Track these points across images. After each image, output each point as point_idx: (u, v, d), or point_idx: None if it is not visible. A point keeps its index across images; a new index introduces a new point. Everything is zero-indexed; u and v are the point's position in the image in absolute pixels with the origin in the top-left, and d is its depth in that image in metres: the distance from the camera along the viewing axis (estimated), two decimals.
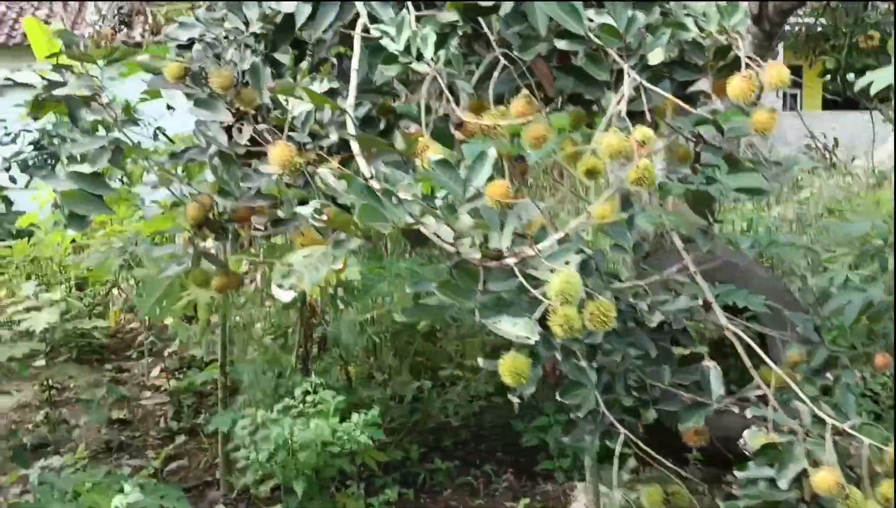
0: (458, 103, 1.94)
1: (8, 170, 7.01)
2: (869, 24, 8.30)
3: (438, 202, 1.80)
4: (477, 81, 2.03)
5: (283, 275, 1.67)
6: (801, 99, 18.62)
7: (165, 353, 6.92)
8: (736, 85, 2.01)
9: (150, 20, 9.64)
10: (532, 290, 1.72)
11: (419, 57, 1.91)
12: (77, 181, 2.44)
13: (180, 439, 5.85)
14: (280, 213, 2.31)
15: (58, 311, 5.47)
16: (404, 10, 2.01)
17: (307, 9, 2.43)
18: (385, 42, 1.97)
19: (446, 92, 1.90)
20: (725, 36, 2.15)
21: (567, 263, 1.80)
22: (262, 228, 2.37)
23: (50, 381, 6.13)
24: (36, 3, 16.74)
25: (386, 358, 5.43)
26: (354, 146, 2.00)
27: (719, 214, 6.26)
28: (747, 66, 2.03)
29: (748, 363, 2.42)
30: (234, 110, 2.38)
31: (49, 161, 7.14)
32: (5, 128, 7.83)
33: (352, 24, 2.38)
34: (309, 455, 3.96)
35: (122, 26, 10.65)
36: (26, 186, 7.25)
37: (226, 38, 2.41)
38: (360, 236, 1.96)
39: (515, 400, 2.37)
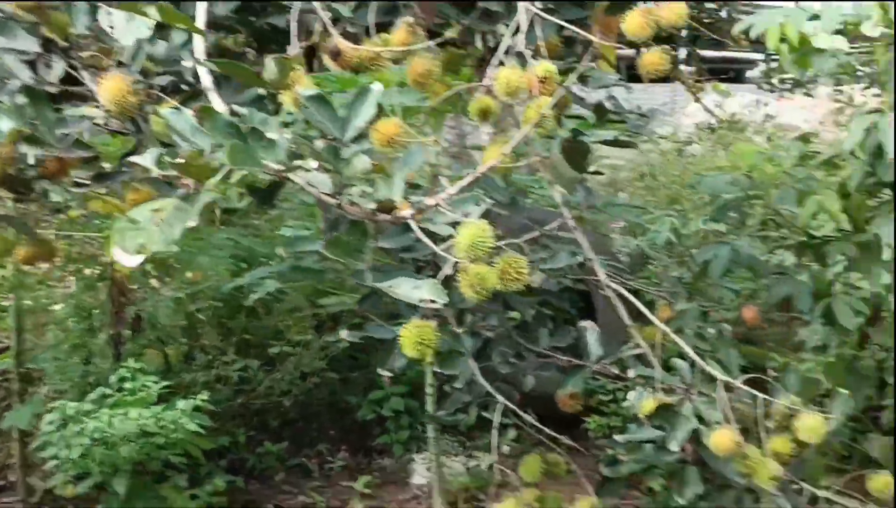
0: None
1: None
2: None
3: (319, 144, 1.52)
4: (355, 7, 1.75)
5: (127, 236, 1.33)
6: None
7: None
8: (633, 20, 1.85)
9: None
10: (434, 247, 1.48)
11: None
12: None
13: None
14: (105, 165, 1.93)
15: None
16: None
17: None
18: None
19: (321, 14, 1.60)
20: None
21: (467, 215, 1.57)
22: (81, 184, 1.96)
23: None
24: None
25: (208, 337, 4.99)
26: (206, 79, 1.66)
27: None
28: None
29: (627, 321, 2.31)
30: (41, 39, 1.95)
31: None
32: None
33: None
34: (130, 449, 3.51)
35: None
36: None
37: None
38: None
39: (386, 374, 2.12)
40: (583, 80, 2.62)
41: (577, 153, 2.38)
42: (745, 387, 1.99)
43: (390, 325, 2.15)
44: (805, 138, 2.91)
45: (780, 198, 2.67)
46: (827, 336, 3.24)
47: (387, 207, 1.52)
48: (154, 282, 4.93)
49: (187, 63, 1.83)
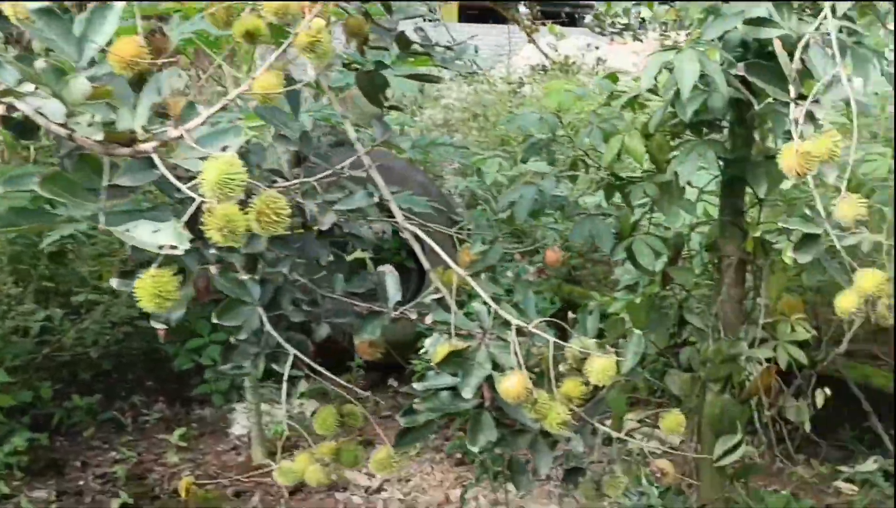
0: None
1: None
2: None
3: (40, 64, 1.29)
4: None
5: None
6: (438, 10, 19.23)
7: None
8: None
9: None
10: (179, 185, 1.30)
11: None
12: None
13: None
14: None
15: None
16: None
17: None
18: None
19: None
20: None
21: (224, 149, 1.40)
22: None
23: None
24: None
25: (2, 285, 4.56)
26: None
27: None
28: None
29: (426, 265, 2.21)
30: None
31: None
32: None
33: None
34: None
35: None
36: None
37: None
38: None
39: (160, 327, 1.93)
40: (388, 9, 2.47)
41: (373, 86, 2.23)
42: (537, 331, 1.94)
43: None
44: (613, 77, 2.89)
45: (585, 139, 2.64)
46: (638, 275, 3.29)
47: (123, 138, 1.32)
48: None
49: None
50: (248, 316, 2.06)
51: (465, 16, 16.80)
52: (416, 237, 2.14)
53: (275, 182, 2.21)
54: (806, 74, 1.92)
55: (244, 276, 2.09)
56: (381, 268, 2.24)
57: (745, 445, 2.76)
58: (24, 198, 3.17)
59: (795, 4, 2.04)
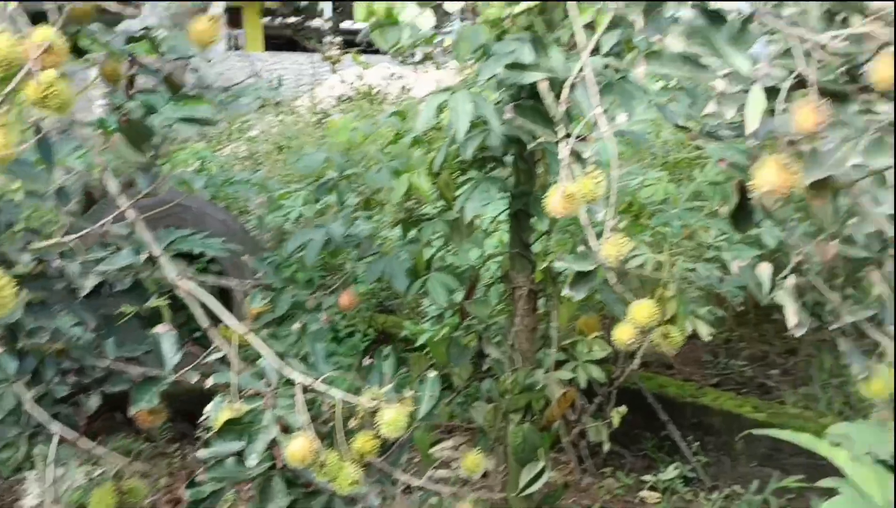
0: None
1: None
2: None
3: None
4: None
5: None
6: (243, 40, 18.89)
7: None
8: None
9: None
10: None
11: None
12: None
13: None
14: None
15: None
16: None
17: None
18: None
19: None
20: None
21: None
22: None
23: None
24: None
25: None
26: None
27: (169, 153, 5.83)
28: None
29: (205, 323, 2.07)
30: None
31: None
32: None
33: None
34: None
35: None
36: None
37: None
38: None
39: None
40: (157, 49, 2.33)
41: (138, 134, 2.08)
42: (324, 387, 1.86)
43: None
44: (402, 114, 2.87)
45: (374, 177, 2.59)
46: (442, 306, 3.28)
47: None
48: None
49: None
50: (4, 394, 1.85)
51: (271, 45, 16.56)
52: (191, 295, 2.01)
53: (29, 242, 2.02)
54: (575, 113, 1.96)
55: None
56: (156, 329, 2.08)
57: (548, 471, 2.80)
58: None
59: (560, 42, 2.09)
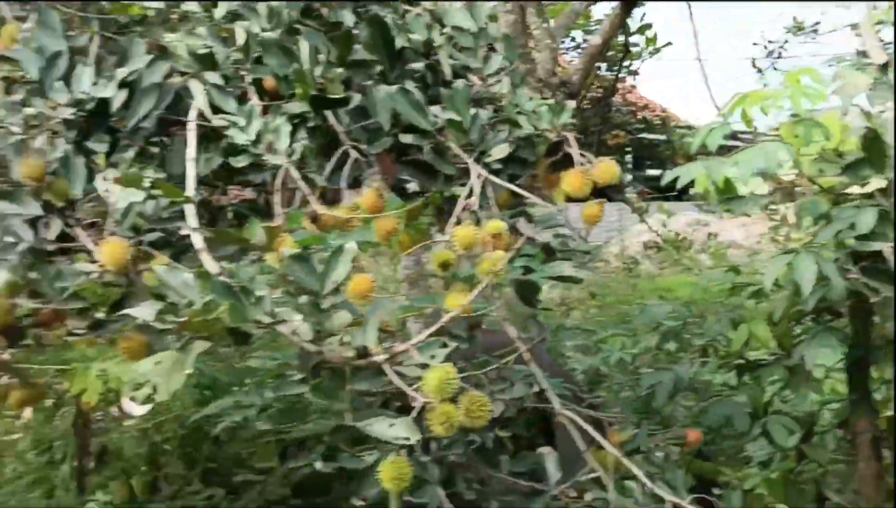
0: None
1: None
2: (614, 123, 9.20)
3: (303, 299, 1.72)
4: (329, 173, 1.99)
5: (136, 386, 1.50)
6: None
7: None
8: (571, 180, 2.12)
9: None
10: (407, 389, 1.67)
11: (270, 148, 1.84)
12: None
13: None
14: (98, 315, 2.09)
15: None
16: (252, 101, 1.94)
17: (123, 95, 2.28)
18: (233, 132, 1.87)
19: (301, 184, 1.83)
20: (555, 133, 2.27)
21: (433, 357, 1.77)
22: (77, 332, 2.12)
23: None
24: None
25: (173, 466, 5.01)
26: (197, 241, 1.86)
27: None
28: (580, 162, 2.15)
29: (582, 446, 2.48)
30: (42, 203, 2.15)
31: None
32: None
33: (172, 110, 2.26)
34: None
35: None
36: None
37: (31, 125, 2.18)
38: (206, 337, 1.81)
39: (361, 504, 2.26)
40: (531, 221, 2.89)
41: (527, 290, 2.61)
42: (689, 507, 2.17)
43: (358, 453, 2.30)
44: (735, 269, 3.19)
45: (714, 326, 2.91)
46: (771, 451, 3.44)
47: (362, 353, 1.71)
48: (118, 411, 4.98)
49: (178, 224, 2.03)
50: (432, 494, 2.36)
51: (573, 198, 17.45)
52: (572, 421, 2.43)
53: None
54: None
55: (424, 458, 2.42)
56: (541, 450, 2.53)
57: None
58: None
59: None
